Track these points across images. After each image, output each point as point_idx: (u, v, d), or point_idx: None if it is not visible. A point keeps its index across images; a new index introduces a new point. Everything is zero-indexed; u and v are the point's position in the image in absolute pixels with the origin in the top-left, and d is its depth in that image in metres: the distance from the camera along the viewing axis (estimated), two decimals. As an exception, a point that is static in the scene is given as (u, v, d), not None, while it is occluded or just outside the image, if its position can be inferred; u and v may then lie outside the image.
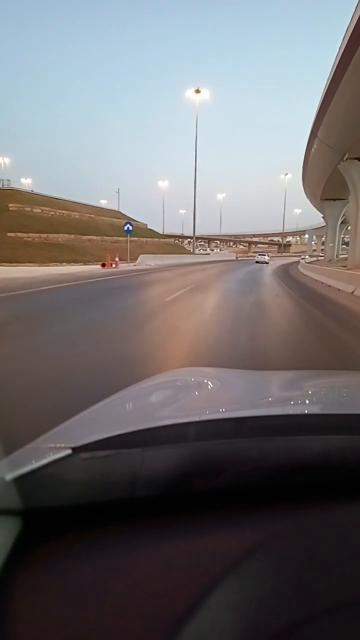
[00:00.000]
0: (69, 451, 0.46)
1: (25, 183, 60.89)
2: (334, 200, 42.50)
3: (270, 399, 0.92)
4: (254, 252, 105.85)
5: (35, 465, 0.43)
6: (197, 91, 42.70)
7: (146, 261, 23.43)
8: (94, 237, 30.20)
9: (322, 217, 59.91)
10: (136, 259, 23.56)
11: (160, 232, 58.51)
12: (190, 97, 40.82)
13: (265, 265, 32.58)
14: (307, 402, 0.91)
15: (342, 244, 60.08)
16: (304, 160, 38.19)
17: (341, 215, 43.99)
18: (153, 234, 45.61)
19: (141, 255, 23.38)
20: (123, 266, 20.32)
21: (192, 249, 50.05)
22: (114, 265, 18.71)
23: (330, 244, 43.99)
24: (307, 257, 57.76)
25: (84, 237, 28.78)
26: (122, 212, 48.46)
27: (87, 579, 0.37)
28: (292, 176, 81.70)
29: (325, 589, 0.34)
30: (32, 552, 0.39)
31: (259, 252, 52.79)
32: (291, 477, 0.47)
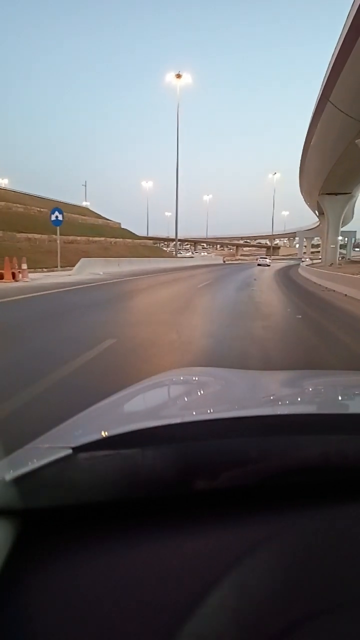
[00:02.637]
0: (69, 451, 0.44)
1: (2, 183, 52.61)
2: (336, 194, 35.62)
3: (270, 399, 0.89)
4: (241, 255, 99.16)
5: (35, 465, 0.42)
6: (178, 76, 35.89)
7: (91, 268, 15.77)
8: (37, 236, 22.35)
9: (317, 215, 53.39)
10: (89, 265, 15.80)
11: (144, 234, 51.36)
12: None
13: (263, 269, 28.61)
14: (307, 402, 0.89)
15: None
16: (303, 149, 31.14)
17: (344, 213, 36.90)
18: (128, 234, 38.02)
19: (83, 260, 15.74)
20: (42, 276, 12.62)
21: (174, 252, 42.64)
22: (21, 276, 10.91)
23: (332, 245, 36.98)
24: (307, 259, 51.09)
25: (19, 234, 20.91)
26: (93, 209, 40.75)
27: (86, 579, 0.36)
28: (280, 177, 75.44)
29: (324, 589, 0.34)
30: (32, 552, 0.39)
31: (261, 256, 52.76)
32: (291, 477, 0.46)
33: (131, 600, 0.34)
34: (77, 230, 27.98)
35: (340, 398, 0.93)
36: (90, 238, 28.20)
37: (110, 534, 0.41)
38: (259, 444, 0.48)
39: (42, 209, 27.89)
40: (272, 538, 0.39)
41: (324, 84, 19.74)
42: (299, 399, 0.91)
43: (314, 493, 0.45)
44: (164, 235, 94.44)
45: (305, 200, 51.95)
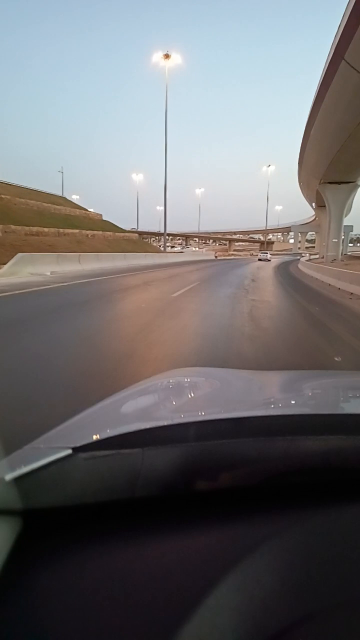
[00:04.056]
0: (69, 451, 0.44)
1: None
2: (339, 183, 31.75)
3: (270, 399, 0.88)
4: (235, 251, 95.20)
5: (35, 465, 0.42)
6: (167, 56, 31.34)
7: (34, 266, 11.62)
8: (-12, 225, 18.20)
9: (314, 209, 49.59)
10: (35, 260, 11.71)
11: (134, 229, 47.24)
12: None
13: (260, 266, 23.32)
14: (307, 402, 0.87)
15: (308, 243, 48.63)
16: (305, 133, 27.16)
17: (347, 204, 33.05)
18: (110, 227, 33.85)
19: (20, 256, 11.55)
20: None
21: (163, 247, 38.56)
22: None
23: (334, 240, 33.18)
24: (307, 255, 47.38)
25: None
26: (82, 204, 36.48)
27: (87, 578, 0.36)
28: (275, 171, 72.10)
29: (324, 588, 0.34)
30: (32, 552, 0.38)
31: (262, 251, 51.36)
32: (291, 477, 0.45)
33: (131, 600, 0.33)
34: (46, 221, 23.83)
35: (340, 398, 0.91)
36: (61, 230, 24.08)
37: (110, 534, 0.40)
38: (259, 444, 0.47)
39: (4, 196, 23.68)
40: (272, 538, 0.39)
41: (338, 39, 15.79)
42: (299, 400, 0.88)
43: (314, 493, 0.45)
44: (156, 229, 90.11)
45: (302, 192, 48.12)
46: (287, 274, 17.65)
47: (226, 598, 0.33)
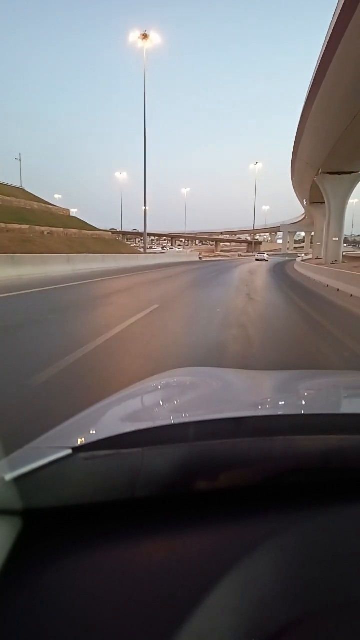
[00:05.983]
0: (69, 451, 0.44)
1: None
2: (340, 174, 27.09)
3: (270, 399, 0.88)
4: (221, 251, 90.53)
5: (35, 465, 0.41)
6: (145, 36, 26.02)
7: None
8: None
9: (306, 207, 45.20)
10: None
11: (135, 230, 42.02)
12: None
13: (253, 270, 17.61)
14: (307, 402, 0.87)
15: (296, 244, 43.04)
16: (303, 112, 22.06)
17: (349, 198, 28.38)
18: (78, 224, 28.58)
19: None
20: None
21: (143, 248, 33.38)
22: None
23: (335, 238, 28.50)
24: (302, 255, 43.05)
25: None
26: (53, 198, 30.99)
27: (87, 578, 0.35)
28: (262, 169, 68.17)
29: (324, 588, 0.34)
30: (32, 552, 0.38)
31: (259, 252, 53.05)
32: (291, 477, 0.45)
33: (131, 600, 0.33)
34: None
35: (340, 398, 0.90)
36: (3, 225, 18.69)
37: (111, 534, 0.40)
38: (259, 444, 0.47)
39: None
40: (272, 538, 0.38)
41: None
42: (299, 400, 0.87)
43: (314, 493, 0.44)
44: (141, 230, 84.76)
45: (294, 189, 43.57)
46: (292, 282, 12.73)
47: (226, 598, 0.32)
